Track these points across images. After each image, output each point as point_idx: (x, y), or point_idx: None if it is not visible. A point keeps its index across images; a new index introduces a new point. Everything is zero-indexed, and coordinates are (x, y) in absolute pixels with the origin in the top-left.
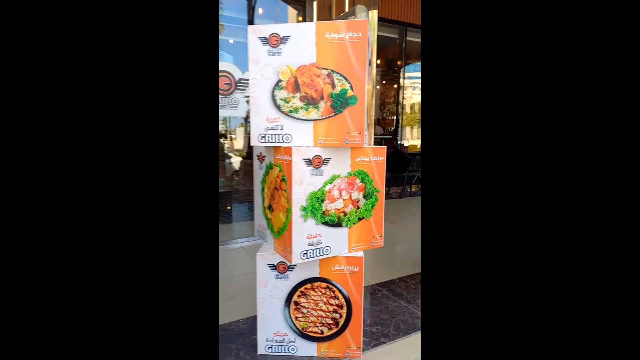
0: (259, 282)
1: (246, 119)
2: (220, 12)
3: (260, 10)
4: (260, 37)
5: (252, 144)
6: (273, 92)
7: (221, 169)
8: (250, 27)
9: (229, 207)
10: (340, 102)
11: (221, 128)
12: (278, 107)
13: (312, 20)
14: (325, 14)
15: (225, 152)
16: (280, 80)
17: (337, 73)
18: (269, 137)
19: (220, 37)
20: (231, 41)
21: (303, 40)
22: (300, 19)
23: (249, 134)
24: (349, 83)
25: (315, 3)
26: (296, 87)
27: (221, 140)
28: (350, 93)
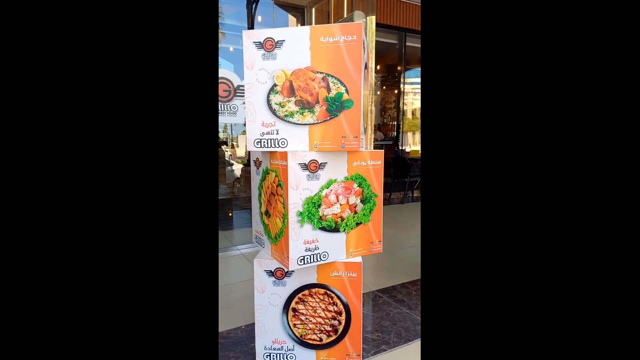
0: (257, 288)
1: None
2: (220, 20)
3: (259, 18)
4: (255, 42)
5: (248, 149)
6: (268, 96)
7: (223, 176)
8: (245, 32)
9: (230, 214)
10: (335, 106)
11: (222, 135)
12: (273, 111)
13: None
14: (323, 21)
15: (227, 159)
16: (275, 85)
17: (332, 76)
18: (264, 142)
19: (220, 45)
20: (231, 49)
21: (298, 44)
22: (299, 25)
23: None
24: (345, 86)
25: (313, 10)
26: (291, 91)
27: (222, 147)
28: (345, 96)
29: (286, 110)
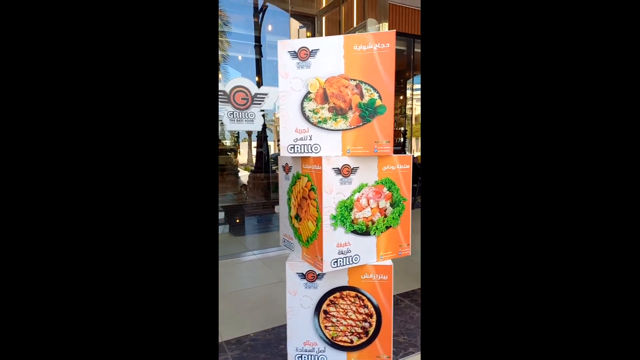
0: (288, 290)
1: (250, 134)
2: (228, 29)
3: (269, 27)
4: (289, 52)
5: (281, 155)
6: (302, 103)
7: (232, 184)
8: (280, 42)
9: (237, 220)
10: (368, 112)
11: (229, 143)
12: (307, 118)
13: (320, 35)
14: (334, 29)
15: (235, 166)
16: (309, 92)
17: (366, 83)
18: (298, 147)
19: (229, 53)
20: (240, 57)
21: (331, 53)
22: (309, 34)
23: (255, 148)
24: (378, 93)
25: (324, 18)
26: (325, 98)
27: (231, 155)
28: (378, 102)
29: (319, 117)
